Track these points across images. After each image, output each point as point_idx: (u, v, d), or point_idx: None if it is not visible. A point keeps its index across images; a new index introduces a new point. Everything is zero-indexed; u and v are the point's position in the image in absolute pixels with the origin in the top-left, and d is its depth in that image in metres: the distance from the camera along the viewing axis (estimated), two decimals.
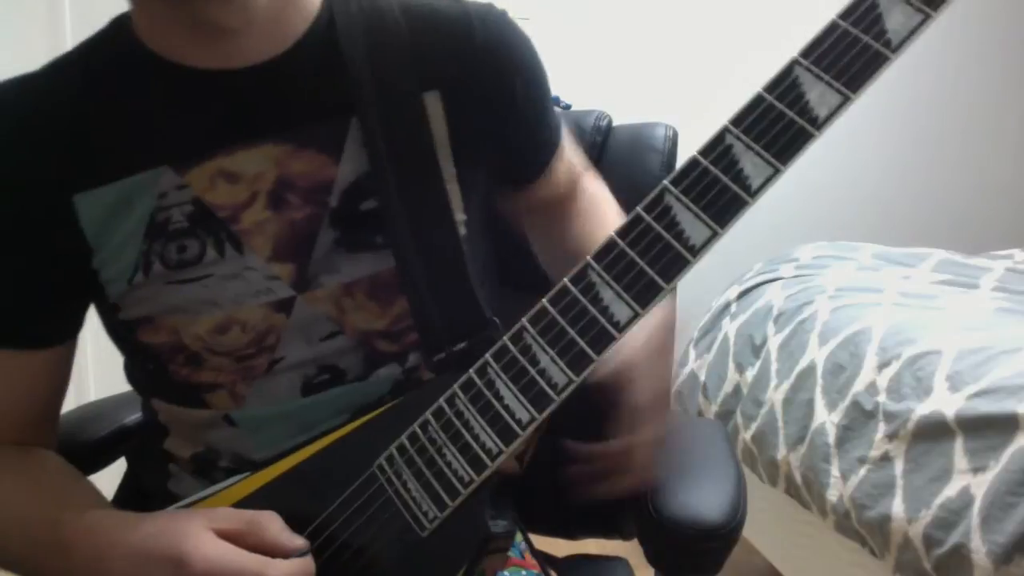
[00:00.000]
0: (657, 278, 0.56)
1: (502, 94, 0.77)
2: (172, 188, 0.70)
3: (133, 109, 0.71)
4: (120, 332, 0.75)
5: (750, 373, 1.79)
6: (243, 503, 0.68)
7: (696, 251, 0.55)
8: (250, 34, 0.70)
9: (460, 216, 0.74)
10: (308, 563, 0.62)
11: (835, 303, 1.69)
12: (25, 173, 0.71)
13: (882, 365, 1.45)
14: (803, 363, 1.64)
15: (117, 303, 0.73)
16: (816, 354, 1.62)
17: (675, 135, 1.07)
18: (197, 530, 0.61)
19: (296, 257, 0.71)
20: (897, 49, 0.52)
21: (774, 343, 1.75)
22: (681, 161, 1.11)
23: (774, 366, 1.72)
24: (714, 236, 0.54)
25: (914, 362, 1.40)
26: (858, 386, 1.48)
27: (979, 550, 1.16)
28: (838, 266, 1.93)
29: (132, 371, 0.81)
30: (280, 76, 0.71)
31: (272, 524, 0.63)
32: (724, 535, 0.75)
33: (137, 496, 0.84)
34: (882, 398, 1.41)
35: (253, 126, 0.71)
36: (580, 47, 2.41)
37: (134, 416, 0.96)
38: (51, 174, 0.71)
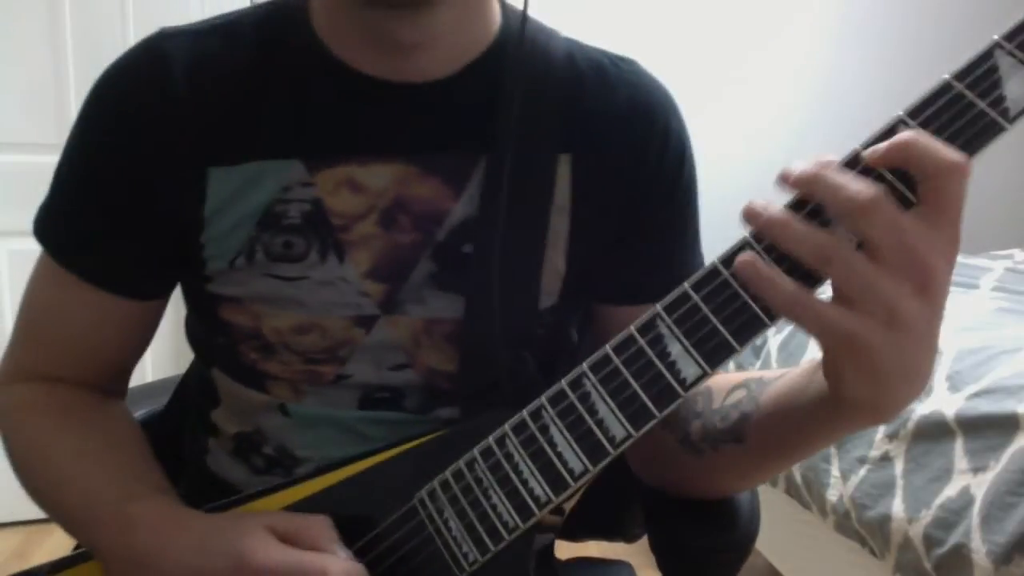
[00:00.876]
0: (730, 338, 0.52)
1: (644, 179, 0.73)
2: (298, 184, 0.69)
3: (288, 95, 0.70)
4: (202, 301, 0.74)
5: None
6: None
7: (773, 316, 0.52)
8: (426, 51, 0.69)
9: (556, 286, 0.72)
10: (362, 569, 0.61)
11: None
12: (179, 129, 0.69)
13: None
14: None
15: (211, 276, 0.72)
16: (816, 354, 1.61)
17: None
18: (255, 529, 0.62)
19: (390, 280, 0.70)
20: (1015, 119, 0.49)
21: (774, 343, 1.76)
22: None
23: (774, 366, 1.72)
24: None
25: None
26: None
27: (979, 550, 1.16)
28: None
29: (197, 336, 0.79)
30: (438, 100, 0.70)
31: (326, 528, 0.62)
32: (739, 545, 0.74)
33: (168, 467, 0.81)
34: None
35: (393, 141, 0.69)
36: None
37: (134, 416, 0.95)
38: (200, 139, 0.69)
